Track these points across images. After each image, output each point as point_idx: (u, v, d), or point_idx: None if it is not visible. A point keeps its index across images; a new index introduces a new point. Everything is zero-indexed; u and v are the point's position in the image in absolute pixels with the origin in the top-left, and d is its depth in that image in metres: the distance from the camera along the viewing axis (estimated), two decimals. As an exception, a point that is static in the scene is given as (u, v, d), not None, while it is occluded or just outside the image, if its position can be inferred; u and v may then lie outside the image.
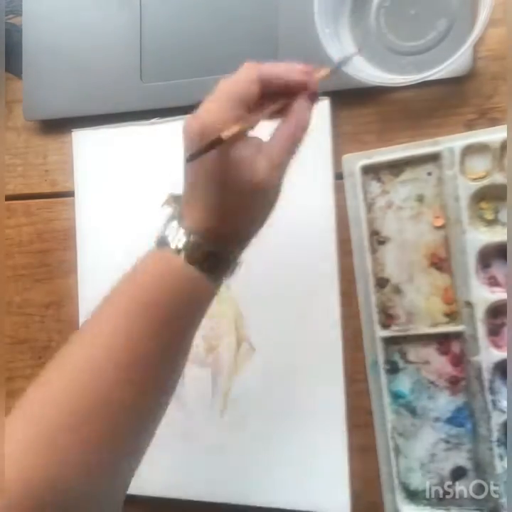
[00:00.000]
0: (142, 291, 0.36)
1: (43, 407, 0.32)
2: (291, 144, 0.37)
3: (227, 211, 0.36)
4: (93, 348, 0.34)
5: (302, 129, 0.37)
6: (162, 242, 0.37)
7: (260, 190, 0.35)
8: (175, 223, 0.37)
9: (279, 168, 0.36)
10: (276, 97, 0.37)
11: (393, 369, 0.46)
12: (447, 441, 0.45)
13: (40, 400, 0.33)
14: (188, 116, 0.35)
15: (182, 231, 0.36)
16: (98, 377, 0.33)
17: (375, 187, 0.47)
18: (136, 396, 0.34)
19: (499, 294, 0.43)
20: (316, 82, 0.38)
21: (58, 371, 0.34)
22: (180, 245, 0.36)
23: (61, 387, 0.33)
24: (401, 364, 0.46)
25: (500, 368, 0.43)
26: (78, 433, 0.32)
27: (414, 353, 0.46)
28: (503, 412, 0.42)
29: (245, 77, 0.35)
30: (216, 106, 0.34)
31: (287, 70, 0.37)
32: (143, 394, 0.35)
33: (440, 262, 0.45)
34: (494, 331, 0.43)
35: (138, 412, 0.35)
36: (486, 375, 0.43)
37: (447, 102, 0.46)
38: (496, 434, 0.43)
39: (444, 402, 0.45)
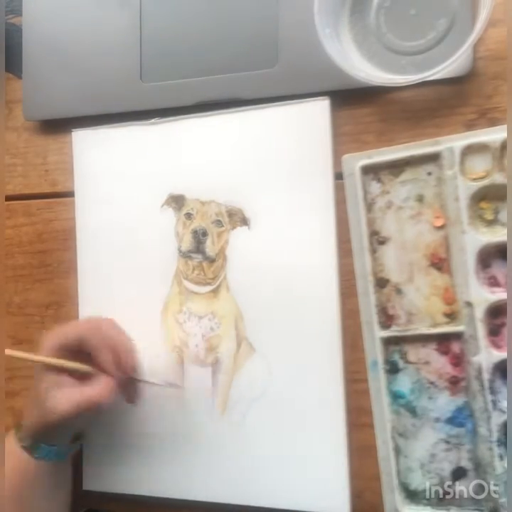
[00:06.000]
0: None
1: None
2: (82, 405, 0.44)
3: (35, 413, 0.45)
4: None
5: (90, 402, 0.44)
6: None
7: (49, 417, 0.44)
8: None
9: (65, 416, 0.43)
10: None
11: (393, 369, 0.46)
12: (447, 442, 0.45)
13: None
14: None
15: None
16: None
17: (375, 187, 0.47)
18: None
19: (499, 294, 0.43)
20: (125, 369, 0.45)
21: None
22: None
23: None
24: (401, 364, 0.46)
25: (500, 368, 0.43)
26: None
27: (414, 353, 0.46)
28: (503, 412, 0.42)
29: (68, 328, 0.47)
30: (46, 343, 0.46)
31: (97, 343, 0.45)
32: None
33: (440, 262, 0.45)
34: (494, 331, 0.43)
35: None
36: (486, 375, 0.43)
37: (447, 102, 0.46)
38: (496, 434, 0.43)
39: (444, 402, 0.45)
